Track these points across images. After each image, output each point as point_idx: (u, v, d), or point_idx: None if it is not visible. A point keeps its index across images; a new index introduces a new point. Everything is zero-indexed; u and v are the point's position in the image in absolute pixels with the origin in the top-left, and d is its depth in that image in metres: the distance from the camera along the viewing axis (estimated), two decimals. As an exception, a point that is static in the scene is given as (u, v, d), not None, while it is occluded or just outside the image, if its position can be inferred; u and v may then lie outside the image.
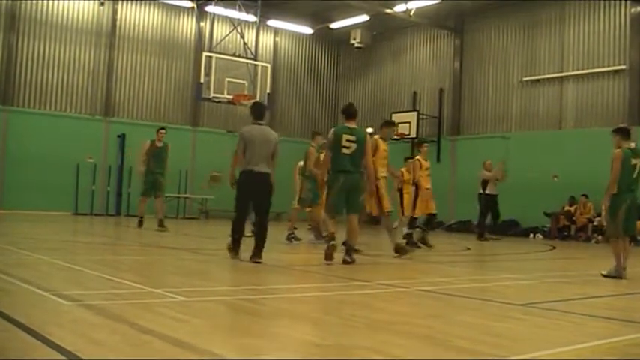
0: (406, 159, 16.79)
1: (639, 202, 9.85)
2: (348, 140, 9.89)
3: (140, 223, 16.99)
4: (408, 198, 15.11)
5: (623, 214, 9.53)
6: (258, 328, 4.67)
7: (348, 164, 9.92)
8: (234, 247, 9.98)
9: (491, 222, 20.07)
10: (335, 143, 9.95)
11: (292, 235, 14.72)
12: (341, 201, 9.94)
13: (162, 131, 17.32)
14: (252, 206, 10.02)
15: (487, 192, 19.48)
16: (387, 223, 11.76)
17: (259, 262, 9.37)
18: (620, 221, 9.55)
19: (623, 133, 9.87)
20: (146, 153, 16.95)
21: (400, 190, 15.63)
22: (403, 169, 15.89)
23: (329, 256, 9.77)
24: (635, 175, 9.60)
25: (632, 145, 9.89)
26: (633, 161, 9.60)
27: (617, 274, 9.41)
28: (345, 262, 9.76)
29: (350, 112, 10.24)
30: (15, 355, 3.55)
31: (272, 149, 9.87)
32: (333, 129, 10.27)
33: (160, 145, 17.09)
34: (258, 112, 10.16)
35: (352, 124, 10.13)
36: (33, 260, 8.57)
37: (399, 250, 11.65)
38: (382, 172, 11.59)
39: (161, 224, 16.63)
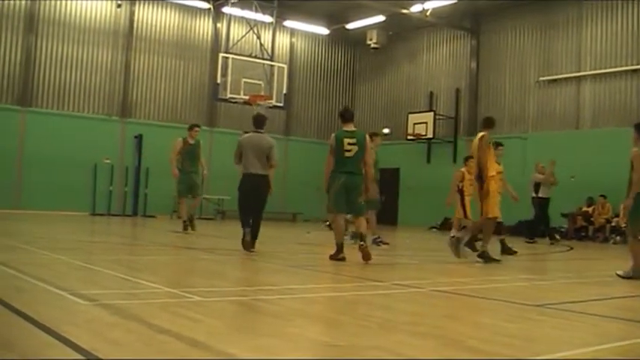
0: (466, 158, 16.21)
1: None
2: (349, 143, 10.24)
3: (185, 227, 15.69)
4: (470, 200, 15.04)
5: None
6: (273, 329, 4.68)
7: (350, 166, 10.27)
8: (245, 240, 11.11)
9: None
10: (337, 147, 10.27)
11: (379, 240, 14.47)
12: (341, 199, 10.29)
13: (197, 129, 16.33)
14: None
15: (540, 195, 19.10)
16: (478, 226, 11.61)
17: (253, 252, 10.79)
18: None
19: None
20: (179, 152, 15.90)
21: (461, 192, 15.54)
22: (463, 169, 15.85)
23: (335, 258, 10.24)
24: None
25: None
26: None
27: (635, 275, 9.31)
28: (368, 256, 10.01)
29: (347, 116, 10.60)
30: (32, 353, 3.58)
31: (266, 154, 11.19)
32: (333, 134, 10.57)
33: (192, 142, 16.05)
34: (257, 122, 11.54)
35: (351, 127, 10.49)
36: (50, 260, 8.63)
37: (481, 256, 11.35)
38: (493, 171, 11.56)
39: (190, 222, 15.87)
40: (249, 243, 11.11)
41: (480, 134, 11.57)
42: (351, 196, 10.30)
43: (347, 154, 10.22)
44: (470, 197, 15.73)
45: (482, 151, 11.33)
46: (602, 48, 23.96)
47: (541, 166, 19.33)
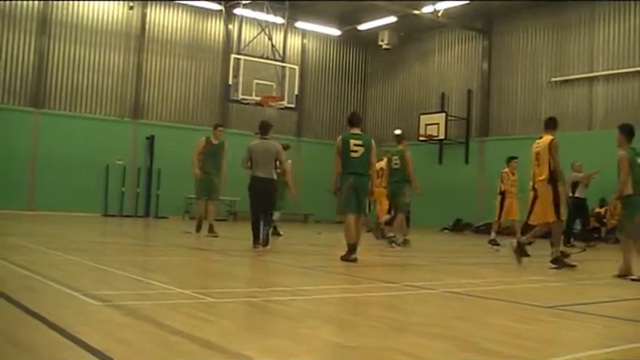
0: (510, 159, 16.78)
1: None
2: (355, 145, 10.54)
3: (198, 228, 15.38)
4: (511, 202, 16.39)
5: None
6: (285, 330, 4.68)
7: (357, 167, 10.54)
8: (255, 239, 11.88)
9: (579, 229, 19.47)
10: (344, 148, 10.59)
11: (393, 240, 14.76)
12: (352, 199, 10.52)
13: (220, 128, 15.82)
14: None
15: (576, 195, 18.58)
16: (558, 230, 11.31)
17: (266, 247, 11.77)
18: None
19: (629, 132, 10.20)
20: (201, 152, 15.29)
21: (502, 194, 16.29)
22: (507, 170, 16.52)
23: (346, 259, 10.31)
24: None
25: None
26: (639, 160, 9.83)
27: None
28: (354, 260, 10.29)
29: (354, 120, 11.03)
30: (45, 353, 3.59)
31: (273, 158, 12.19)
32: (340, 137, 10.89)
33: (216, 142, 15.47)
34: (263, 128, 12.44)
35: (357, 130, 10.83)
36: (63, 260, 8.66)
37: (555, 262, 10.94)
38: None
39: (211, 229, 15.23)
40: (259, 245, 11.87)
41: (550, 138, 11.44)
42: (360, 196, 10.58)
43: (353, 154, 10.50)
44: (512, 199, 15.95)
45: (556, 155, 11.23)
46: (615, 48, 23.87)
47: (578, 165, 18.65)
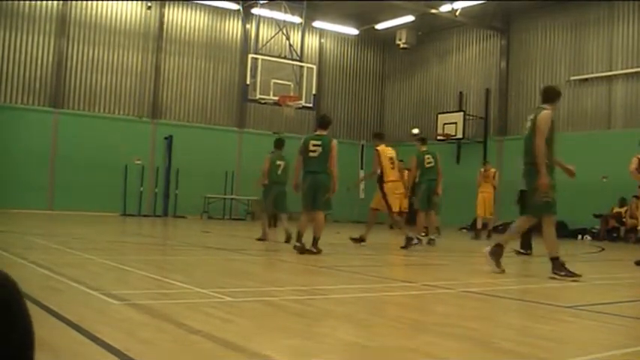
0: None
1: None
2: (314, 145, 11.53)
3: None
4: None
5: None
6: (305, 330, 4.68)
7: (314, 166, 11.50)
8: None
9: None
10: (304, 148, 11.61)
11: (414, 241, 14.86)
12: (309, 197, 11.51)
13: None
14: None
15: None
16: None
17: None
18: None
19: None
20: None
21: None
22: None
23: (300, 251, 11.20)
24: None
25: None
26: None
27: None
28: (310, 252, 11.15)
29: (320, 122, 12.25)
30: (65, 352, 3.61)
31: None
32: (303, 138, 12.10)
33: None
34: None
35: (322, 132, 11.86)
36: (82, 260, 8.71)
37: None
38: None
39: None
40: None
41: None
42: (318, 193, 11.46)
43: (311, 154, 11.49)
44: None
45: None
46: (634, 47, 23.69)
47: None
